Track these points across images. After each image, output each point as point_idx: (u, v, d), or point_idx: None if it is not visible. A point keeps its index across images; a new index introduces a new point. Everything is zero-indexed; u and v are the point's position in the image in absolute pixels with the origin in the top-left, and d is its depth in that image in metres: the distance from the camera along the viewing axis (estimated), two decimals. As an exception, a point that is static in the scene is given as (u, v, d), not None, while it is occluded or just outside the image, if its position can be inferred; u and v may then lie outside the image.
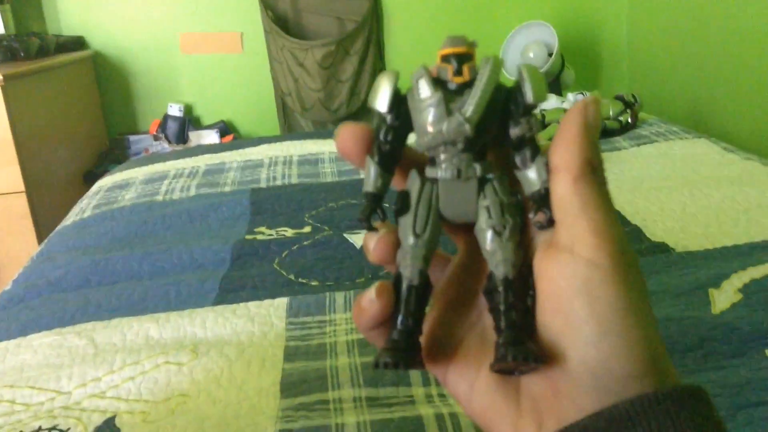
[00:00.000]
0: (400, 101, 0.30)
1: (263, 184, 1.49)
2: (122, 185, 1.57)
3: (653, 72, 2.57)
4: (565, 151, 0.28)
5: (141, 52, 2.70)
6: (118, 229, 1.27)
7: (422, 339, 0.31)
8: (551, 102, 1.85)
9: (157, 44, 2.70)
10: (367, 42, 2.61)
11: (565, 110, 1.70)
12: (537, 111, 1.77)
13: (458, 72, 0.29)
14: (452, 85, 0.29)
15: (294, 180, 1.52)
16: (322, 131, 2.37)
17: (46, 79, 2.24)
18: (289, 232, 1.20)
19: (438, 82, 0.29)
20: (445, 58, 0.29)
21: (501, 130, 0.30)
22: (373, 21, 2.65)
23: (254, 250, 1.11)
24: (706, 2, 2.14)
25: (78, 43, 2.61)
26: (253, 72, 2.72)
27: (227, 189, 1.47)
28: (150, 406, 0.72)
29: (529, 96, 0.29)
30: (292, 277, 1.01)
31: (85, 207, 1.46)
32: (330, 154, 1.70)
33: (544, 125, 1.66)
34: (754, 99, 1.94)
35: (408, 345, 0.30)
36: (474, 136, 0.29)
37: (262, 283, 1.00)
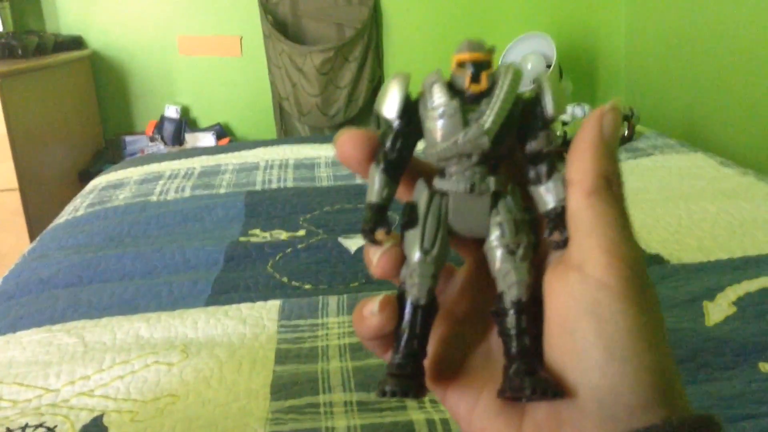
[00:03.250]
0: (410, 107, 0.28)
1: (258, 187, 1.48)
2: (117, 185, 1.56)
3: (650, 85, 2.57)
4: (578, 164, 0.27)
5: (139, 52, 2.70)
6: (111, 228, 1.26)
7: (426, 360, 0.29)
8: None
9: (155, 45, 2.69)
10: (366, 49, 2.61)
11: (562, 122, 1.71)
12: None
13: (476, 79, 0.27)
14: (468, 93, 0.27)
15: (290, 183, 1.51)
16: (319, 136, 2.36)
17: (43, 77, 2.23)
18: (284, 235, 1.19)
19: (453, 89, 0.28)
20: (462, 64, 0.27)
21: (516, 142, 0.28)
22: (373, 28, 2.65)
23: (248, 252, 1.10)
24: (703, 17, 2.14)
25: (76, 43, 2.61)
26: (251, 76, 2.72)
27: (222, 191, 1.46)
28: (138, 405, 0.71)
29: (549, 109, 0.28)
30: (285, 279, 1.01)
31: (78, 206, 1.45)
32: (326, 158, 1.69)
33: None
34: (750, 113, 1.95)
35: (414, 370, 0.28)
36: (491, 149, 0.27)
37: (255, 285, 0.99)
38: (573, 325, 0.26)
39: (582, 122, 0.28)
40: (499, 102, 0.27)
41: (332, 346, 0.81)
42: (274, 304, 0.91)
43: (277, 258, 1.09)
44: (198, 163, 1.69)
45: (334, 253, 1.09)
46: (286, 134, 2.72)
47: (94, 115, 2.67)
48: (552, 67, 2.34)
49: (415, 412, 0.67)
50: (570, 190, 0.27)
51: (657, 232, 1.10)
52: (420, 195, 0.29)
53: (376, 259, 0.29)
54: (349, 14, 2.62)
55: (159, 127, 2.63)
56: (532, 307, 0.27)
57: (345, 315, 0.88)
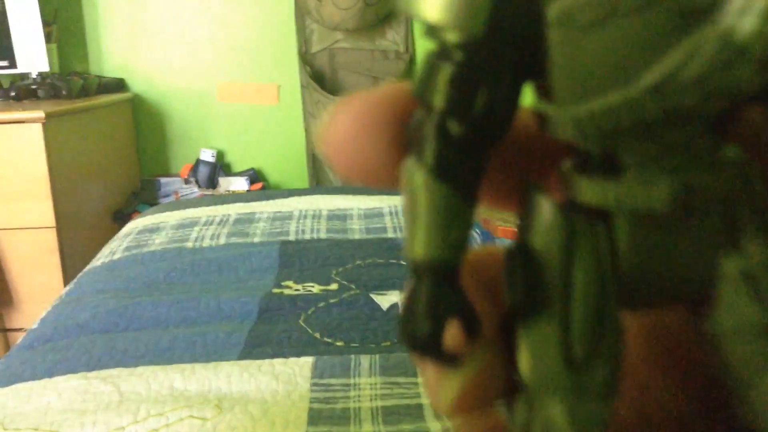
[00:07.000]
0: (512, 14, 0.13)
1: (292, 237, 1.50)
2: (153, 229, 1.59)
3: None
4: None
5: (178, 97, 2.76)
6: (147, 274, 1.28)
7: None
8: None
9: (194, 91, 2.76)
10: (400, 101, 2.65)
11: None
12: None
13: None
14: None
15: (322, 235, 1.52)
16: (351, 186, 2.39)
17: (85, 118, 2.29)
18: (316, 288, 1.20)
19: None
20: None
21: None
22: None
23: (281, 304, 1.11)
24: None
25: (119, 85, 2.68)
26: (287, 123, 2.77)
27: (257, 240, 1.48)
28: (172, 460, 0.71)
29: None
30: (317, 335, 1.01)
31: (115, 249, 1.47)
32: (358, 210, 1.71)
33: None
34: None
35: None
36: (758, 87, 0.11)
37: (287, 339, 1.00)
38: None
39: None
40: None
41: (364, 408, 0.81)
42: (306, 361, 0.92)
43: (310, 312, 1.09)
44: (233, 210, 1.72)
45: (366, 310, 1.09)
46: (318, 182, 2.75)
47: (133, 156, 2.73)
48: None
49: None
50: None
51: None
52: (542, 227, 0.13)
53: (447, 394, 0.14)
54: (385, 68, 2.66)
55: (194, 169, 2.68)
56: None
57: (377, 376, 0.88)
